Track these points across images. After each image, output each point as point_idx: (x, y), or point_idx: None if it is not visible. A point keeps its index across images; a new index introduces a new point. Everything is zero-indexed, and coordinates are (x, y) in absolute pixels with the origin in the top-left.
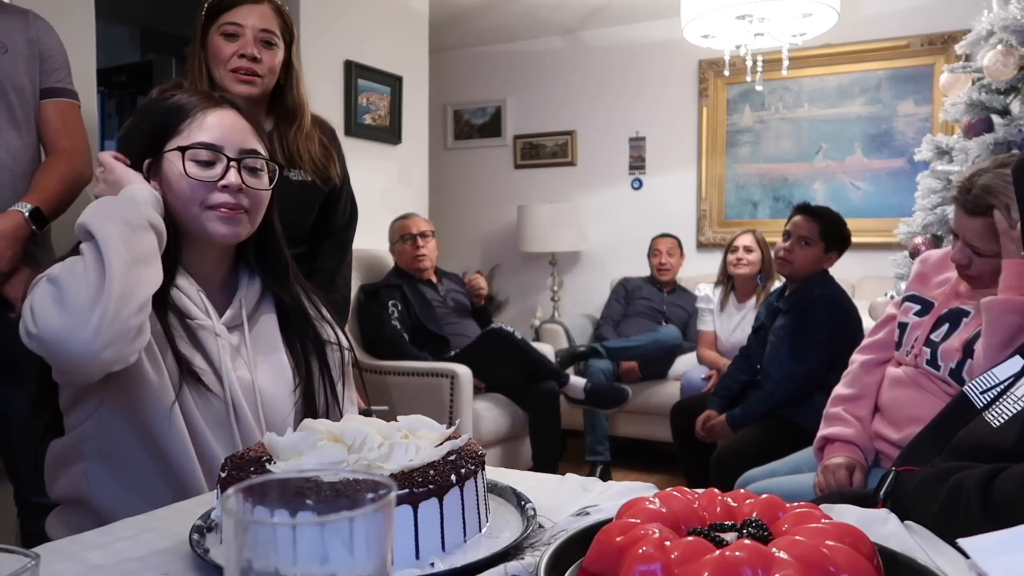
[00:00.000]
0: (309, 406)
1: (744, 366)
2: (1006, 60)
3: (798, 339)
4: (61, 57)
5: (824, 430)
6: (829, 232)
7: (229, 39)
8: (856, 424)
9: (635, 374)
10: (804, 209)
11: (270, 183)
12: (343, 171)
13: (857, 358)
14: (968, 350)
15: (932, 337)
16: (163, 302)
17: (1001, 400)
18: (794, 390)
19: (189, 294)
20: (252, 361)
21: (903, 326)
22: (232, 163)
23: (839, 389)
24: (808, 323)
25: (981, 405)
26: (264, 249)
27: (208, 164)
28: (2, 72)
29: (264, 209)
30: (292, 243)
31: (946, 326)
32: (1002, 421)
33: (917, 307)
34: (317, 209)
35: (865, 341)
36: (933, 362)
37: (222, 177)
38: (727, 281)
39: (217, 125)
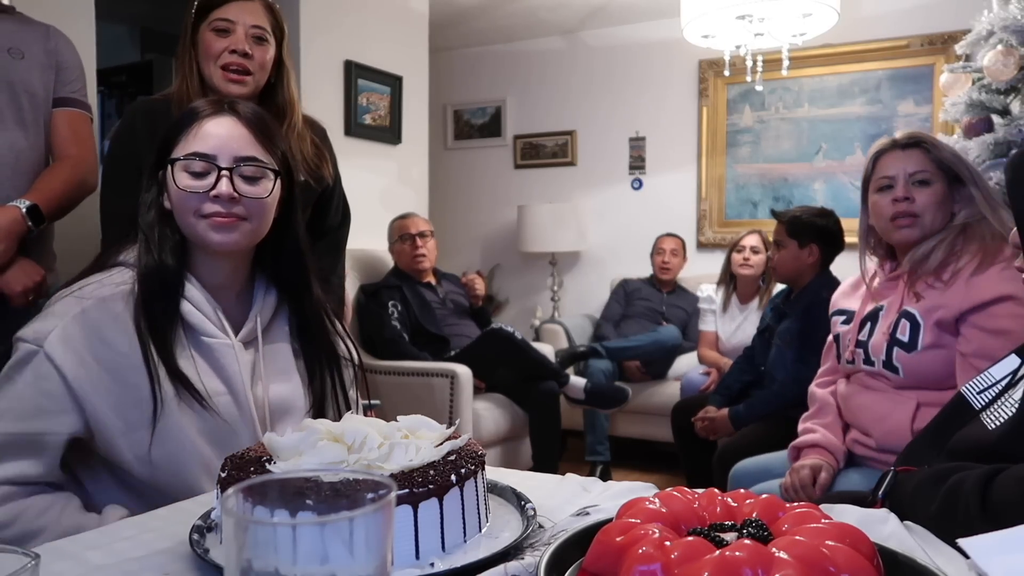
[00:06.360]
0: None
1: (746, 366)
2: (1006, 60)
3: (804, 343)
4: (77, 71)
5: (799, 438)
6: (794, 228)
7: (220, 35)
8: (821, 429)
9: (637, 372)
10: (774, 214)
11: (278, 188)
12: (335, 171)
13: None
14: (893, 339)
15: (860, 338)
16: (171, 317)
17: (998, 402)
18: (799, 393)
19: (204, 311)
20: (266, 379)
21: (837, 338)
22: (224, 172)
23: (804, 416)
24: (814, 326)
25: (979, 406)
26: (281, 258)
27: (201, 175)
28: (16, 76)
29: (268, 216)
30: None
31: (868, 325)
32: (999, 423)
33: (843, 318)
34: (311, 209)
35: (819, 372)
36: (868, 359)
37: (213, 187)
38: (730, 281)
39: (213, 134)
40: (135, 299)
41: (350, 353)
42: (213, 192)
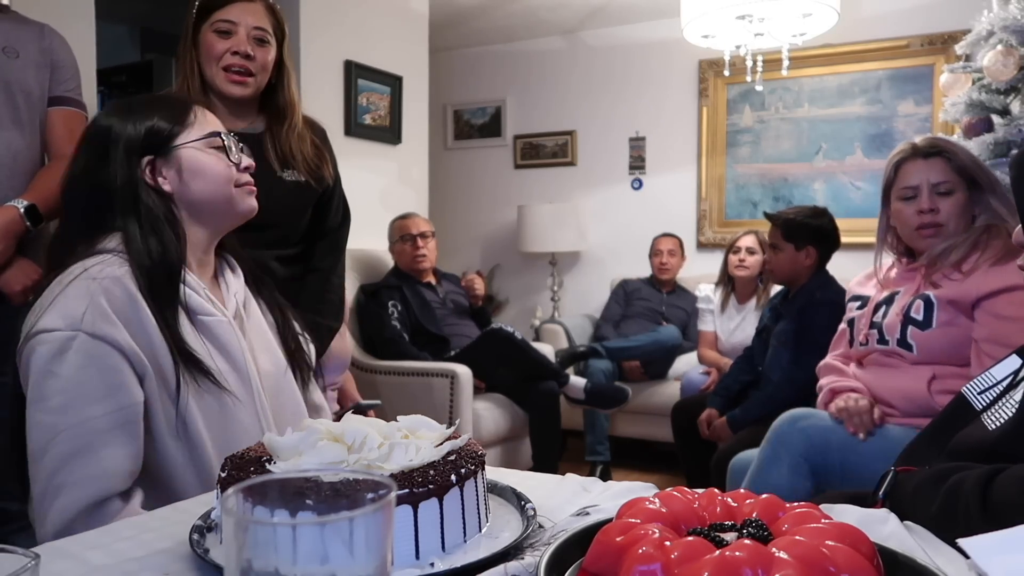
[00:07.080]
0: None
1: (746, 367)
2: (1006, 60)
3: (800, 343)
4: (72, 69)
5: (829, 384)
6: (790, 232)
7: (222, 36)
8: (856, 382)
9: (638, 372)
10: (767, 217)
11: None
12: (335, 172)
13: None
14: (907, 318)
15: (875, 320)
16: (172, 300)
17: (999, 403)
18: (794, 393)
19: (196, 290)
20: (254, 353)
21: (851, 322)
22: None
23: (823, 378)
24: (809, 327)
25: (979, 407)
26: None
27: (224, 149)
28: (11, 75)
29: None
30: (287, 243)
31: (884, 308)
32: (999, 424)
33: (858, 303)
34: (311, 210)
35: (830, 354)
36: (882, 339)
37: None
38: (728, 282)
39: (216, 120)
40: (143, 281)
41: (305, 332)
42: (244, 165)
